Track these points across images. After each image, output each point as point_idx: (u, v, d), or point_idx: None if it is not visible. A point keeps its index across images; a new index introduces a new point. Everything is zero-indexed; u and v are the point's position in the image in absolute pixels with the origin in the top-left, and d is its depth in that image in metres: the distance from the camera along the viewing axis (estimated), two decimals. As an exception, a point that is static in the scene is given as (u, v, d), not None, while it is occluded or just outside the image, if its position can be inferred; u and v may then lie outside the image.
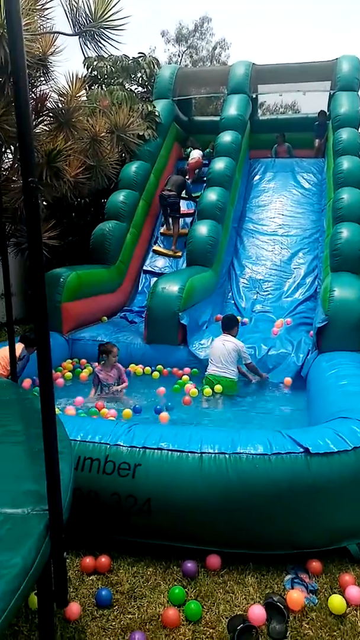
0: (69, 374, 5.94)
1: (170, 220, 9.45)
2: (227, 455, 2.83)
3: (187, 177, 9.93)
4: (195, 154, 10.49)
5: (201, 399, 5.36)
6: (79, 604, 2.53)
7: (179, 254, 9.29)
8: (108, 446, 2.93)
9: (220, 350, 5.53)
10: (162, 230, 9.81)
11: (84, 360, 6.45)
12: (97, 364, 5.67)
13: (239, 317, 7.61)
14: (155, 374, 6.06)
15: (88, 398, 5.16)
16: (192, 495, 2.83)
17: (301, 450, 2.84)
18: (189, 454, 2.87)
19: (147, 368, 6.18)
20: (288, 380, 5.82)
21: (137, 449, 2.90)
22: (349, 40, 34.43)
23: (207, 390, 5.39)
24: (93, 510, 2.93)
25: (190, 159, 10.49)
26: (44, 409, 1.61)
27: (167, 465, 2.85)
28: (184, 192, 9.53)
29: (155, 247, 9.59)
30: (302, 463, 2.81)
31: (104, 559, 2.82)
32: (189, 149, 11.04)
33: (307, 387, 5.59)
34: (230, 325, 5.75)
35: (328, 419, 3.52)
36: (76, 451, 2.92)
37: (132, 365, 6.24)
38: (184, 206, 9.79)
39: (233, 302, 8.47)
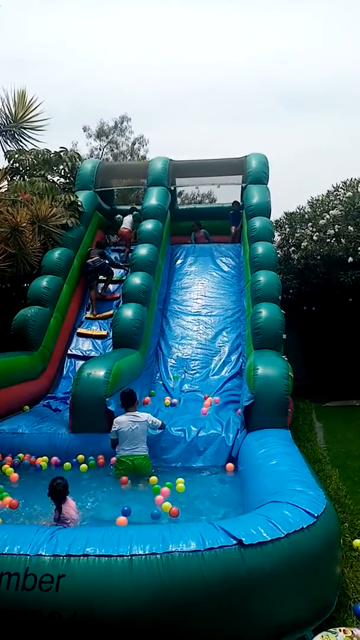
0: None
1: (101, 284, 10.08)
2: (158, 556, 2.67)
3: (122, 245, 10.92)
4: (127, 223, 11.11)
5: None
6: None
7: (116, 295, 9.95)
8: (28, 557, 2.67)
9: (131, 430, 5.46)
10: (87, 314, 9.84)
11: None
12: None
13: (167, 398, 7.63)
14: (84, 466, 5.68)
15: None
16: (122, 604, 2.60)
17: (235, 542, 2.75)
18: (118, 557, 2.67)
19: (67, 464, 5.74)
20: (230, 466, 5.71)
21: (61, 558, 2.66)
22: (257, 137, 38.37)
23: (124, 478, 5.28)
24: (10, 633, 2.60)
25: (122, 226, 11.12)
26: None
27: (95, 573, 2.63)
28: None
29: (80, 330, 9.52)
30: (236, 556, 2.71)
31: None
32: (118, 217, 11.73)
33: (238, 467, 5.56)
34: (133, 400, 5.71)
35: (260, 503, 3.48)
36: (-9, 566, 2.63)
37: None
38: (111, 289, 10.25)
39: (161, 382, 8.45)
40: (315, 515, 3.11)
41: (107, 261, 10.10)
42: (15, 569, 2.65)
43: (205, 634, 2.69)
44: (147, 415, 5.69)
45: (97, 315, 9.74)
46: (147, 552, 2.69)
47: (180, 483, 5.07)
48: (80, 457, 5.84)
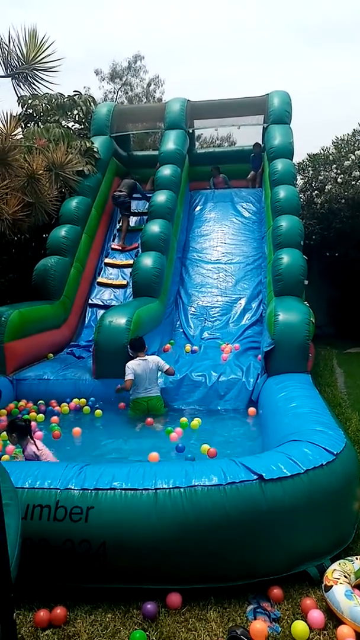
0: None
1: (120, 217, 10.18)
2: (182, 490, 2.79)
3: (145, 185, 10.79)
4: None
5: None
6: (34, 664, 2.39)
7: (135, 245, 9.88)
8: (58, 491, 2.82)
9: (145, 373, 5.75)
10: (113, 245, 10.10)
11: (22, 403, 6.16)
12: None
13: (188, 345, 7.73)
14: (98, 412, 5.90)
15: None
16: (148, 534, 2.76)
17: (255, 477, 2.85)
18: (143, 491, 2.81)
19: (87, 407, 6.01)
20: (252, 410, 5.83)
21: (89, 492, 2.81)
22: (277, 74, 36.55)
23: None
24: (45, 560, 2.79)
25: None
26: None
27: (121, 505, 2.78)
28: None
29: (100, 279, 9.57)
30: (257, 490, 2.82)
31: (59, 610, 2.68)
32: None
33: (258, 410, 5.66)
34: (143, 346, 5.96)
35: (280, 442, 3.56)
36: (24, 499, 2.79)
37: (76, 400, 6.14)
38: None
39: (182, 330, 8.52)
40: (335, 453, 3.18)
41: (130, 198, 10.13)
42: (46, 501, 2.82)
43: (227, 561, 2.84)
44: (155, 358, 5.95)
45: (126, 247, 9.97)
46: (171, 486, 2.82)
47: (195, 421, 5.38)
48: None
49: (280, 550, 2.91)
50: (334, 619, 2.59)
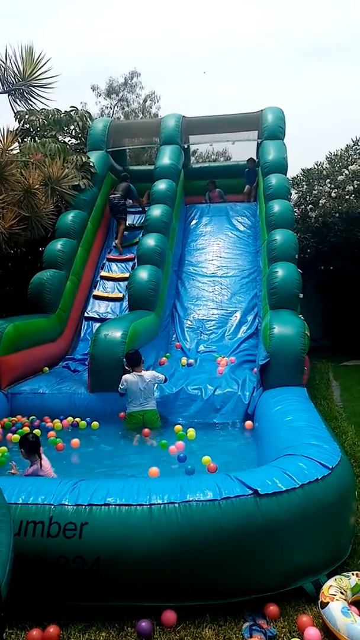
0: (15, 436, 5.57)
1: (116, 220, 10.38)
2: (176, 505, 2.77)
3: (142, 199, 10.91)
4: None
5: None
6: None
7: (132, 256, 9.84)
8: (52, 507, 2.80)
9: (139, 389, 5.76)
10: (115, 242, 10.25)
11: (16, 418, 6.09)
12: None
13: (184, 358, 7.72)
14: (95, 423, 5.89)
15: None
16: (142, 549, 2.73)
17: (250, 492, 2.83)
18: (138, 506, 2.79)
19: (83, 422, 5.96)
20: (249, 424, 5.80)
21: (83, 507, 2.79)
22: (272, 88, 37.10)
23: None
24: (38, 576, 2.76)
25: None
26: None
27: (116, 521, 2.75)
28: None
29: (96, 292, 9.57)
30: (252, 505, 2.80)
31: (52, 629, 2.63)
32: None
33: (254, 424, 5.65)
34: (139, 360, 5.92)
35: (276, 457, 3.55)
36: (17, 515, 2.76)
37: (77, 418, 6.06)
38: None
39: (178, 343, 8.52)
40: (330, 467, 3.17)
41: (126, 202, 10.26)
42: (40, 517, 2.79)
43: (223, 577, 2.81)
44: (151, 373, 5.96)
45: (124, 244, 10.18)
46: (165, 502, 2.80)
47: (191, 431, 5.42)
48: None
49: (276, 566, 2.88)
50: (330, 636, 2.56)
